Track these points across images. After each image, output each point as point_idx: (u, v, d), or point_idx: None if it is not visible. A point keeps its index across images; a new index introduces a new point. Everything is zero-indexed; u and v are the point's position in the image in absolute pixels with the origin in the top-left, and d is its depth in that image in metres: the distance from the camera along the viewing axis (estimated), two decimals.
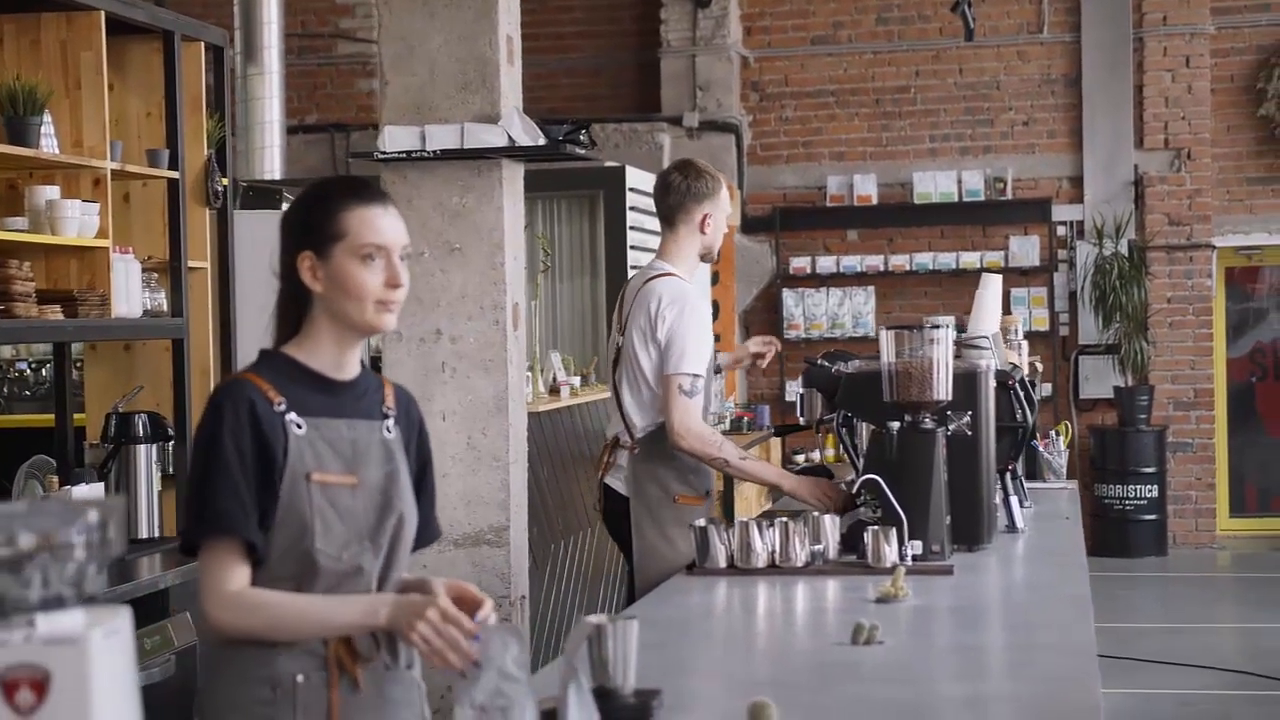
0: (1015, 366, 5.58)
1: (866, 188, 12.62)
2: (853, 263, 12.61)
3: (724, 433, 7.13)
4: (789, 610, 3.93)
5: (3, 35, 5.23)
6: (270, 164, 9.55)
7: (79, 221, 5.05)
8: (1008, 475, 5.07)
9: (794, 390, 12.55)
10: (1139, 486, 12.00)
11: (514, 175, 5.79)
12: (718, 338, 7.53)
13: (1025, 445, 5.25)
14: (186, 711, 4.80)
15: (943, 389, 4.33)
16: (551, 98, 12.67)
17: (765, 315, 12.78)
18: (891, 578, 3.87)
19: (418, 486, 2.86)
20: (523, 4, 5.86)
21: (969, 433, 4.45)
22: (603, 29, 13.26)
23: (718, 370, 5.66)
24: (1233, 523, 12.73)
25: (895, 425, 4.33)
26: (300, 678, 2.69)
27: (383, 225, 2.76)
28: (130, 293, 5.28)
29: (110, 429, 5.41)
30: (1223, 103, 12.46)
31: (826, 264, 12.63)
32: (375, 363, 5.94)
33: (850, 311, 12.60)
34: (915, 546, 4.22)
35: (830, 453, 11.69)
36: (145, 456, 5.40)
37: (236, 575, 2.67)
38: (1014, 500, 5.06)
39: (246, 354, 5.64)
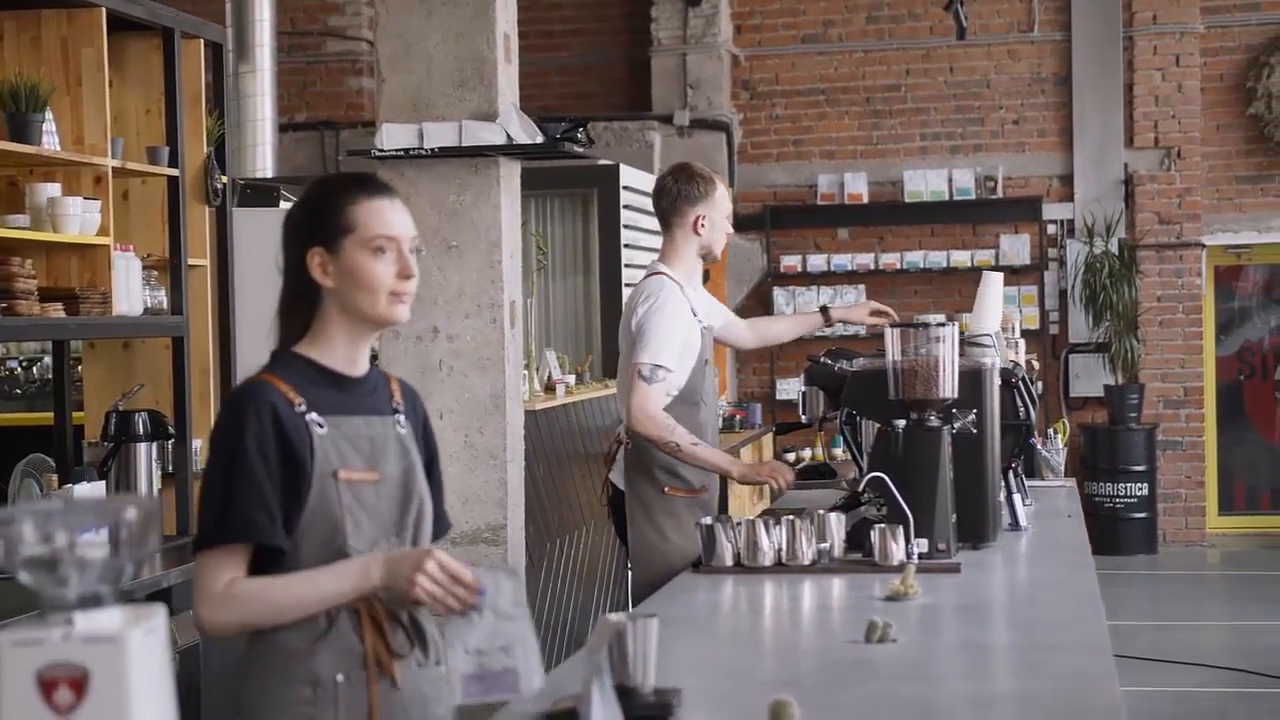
0: (1016, 364, 5.58)
1: (857, 186, 12.61)
2: (843, 261, 12.61)
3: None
4: (797, 608, 3.92)
5: (3, 32, 5.20)
6: (263, 162, 9.51)
7: (80, 219, 5.03)
8: (1010, 473, 5.07)
9: (784, 388, 12.65)
10: (1129, 485, 12.02)
11: (511, 173, 5.78)
12: None
13: (1027, 443, 5.26)
14: (191, 711, 4.80)
15: (948, 387, 4.34)
16: (543, 96, 12.65)
17: (756, 313, 12.73)
18: (901, 576, 3.87)
19: (428, 479, 2.85)
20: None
21: (974, 430, 4.45)
22: (593, 27, 13.25)
23: (828, 325, 5.68)
24: (1222, 520, 12.77)
25: (901, 423, 4.34)
26: (340, 677, 2.67)
27: (391, 217, 2.75)
28: (131, 290, 5.26)
29: (110, 427, 5.39)
30: (1212, 102, 12.49)
31: (817, 262, 12.63)
32: (371, 361, 5.92)
33: None
34: (921, 544, 4.22)
35: (820, 451, 11.65)
36: (145, 455, 5.39)
37: (231, 575, 2.64)
38: (1017, 498, 5.07)
39: (246, 352, 5.63)
